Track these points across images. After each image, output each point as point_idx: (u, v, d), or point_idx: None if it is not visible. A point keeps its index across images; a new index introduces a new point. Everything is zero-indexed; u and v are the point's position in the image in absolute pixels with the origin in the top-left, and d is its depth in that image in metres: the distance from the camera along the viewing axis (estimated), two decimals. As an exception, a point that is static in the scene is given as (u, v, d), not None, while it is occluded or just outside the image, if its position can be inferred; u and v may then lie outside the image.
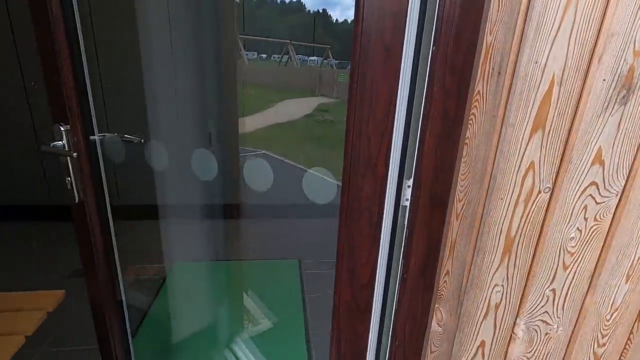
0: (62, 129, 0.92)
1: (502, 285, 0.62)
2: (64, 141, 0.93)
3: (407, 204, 0.73)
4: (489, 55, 0.55)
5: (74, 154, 0.93)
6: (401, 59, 0.64)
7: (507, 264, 0.60)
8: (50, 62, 0.90)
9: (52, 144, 0.92)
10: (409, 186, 0.72)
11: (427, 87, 0.62)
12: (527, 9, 0.49)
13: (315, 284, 2.25)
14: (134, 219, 1.30)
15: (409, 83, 0.65)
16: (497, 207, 0.56)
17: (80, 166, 0.96)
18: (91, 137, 1.00)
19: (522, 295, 0.63)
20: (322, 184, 0.79)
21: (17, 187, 2.63)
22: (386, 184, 0.73)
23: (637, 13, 0.49)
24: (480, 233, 0.59)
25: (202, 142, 1.73)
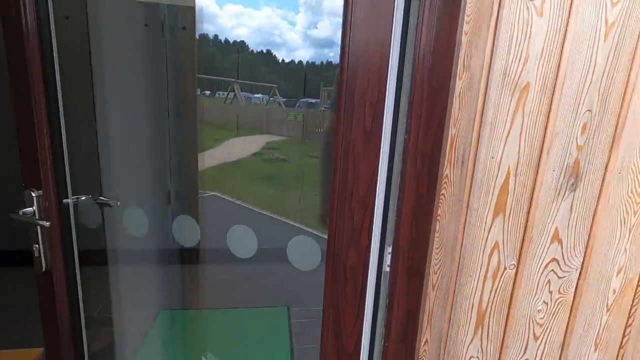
0: (33, 195, 0.88)
1: (477, 357, 0.64)
2: (35, 207, 0.89)
3: (389, 269, 0.77)
4: (454, 145, 0.62)
5: (46, 224, 0.88)
6: (380, 142, 0.71)
7: (481, 336, 0.64)
8: (26, 129, 0.88)
9: (21, 212, 0.87)
10: (389, 253, 0.77)
11: (401, 168, 0.68)
12: (482, 112, 0.56)
13: (304, 333, 2.19)
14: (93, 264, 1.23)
15: (387, 163, 0.72)
16: (468, 282, 0.61)
17: (50, 234, 0.91)
18: (64, 201, 0.96)
19: (498, 365, 0.66)
20: (307, 251, 0.83)
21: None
22: (369, 253, 0.77)
23: (575, 116, 0.57)
24: (454, 307, 0.62)
25: (161, 201, 1.65)
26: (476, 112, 0.57)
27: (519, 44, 0.53)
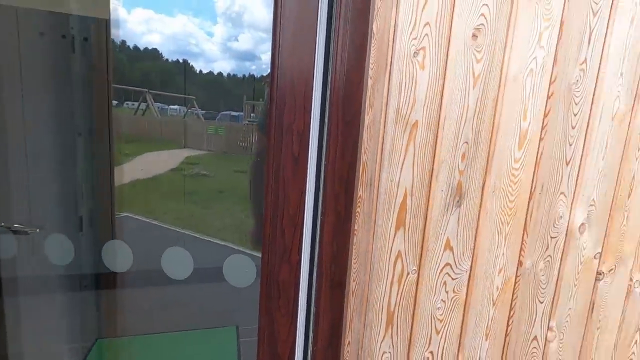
0: None
1: (390, 352, 0.75)
2: None
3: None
4: (364, 170, 0.74)
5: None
6: (307, 166, 0.81)
7: (391, 334, 0.74)
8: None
9: None
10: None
11: (322, 190, 0.78)
12: (382, 143, 0.69)
13: (251, 352, 2.17)
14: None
15: (314, 185, 0.82)
16: (377, 287, 0.72)
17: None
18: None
19: (408, 359, 0.76)
20: (243, 269, 0.89)
21: None
22: (300, 268, 0.85)
23: (456, 147, 0.71)
24: (367, 310, 0.72)
25: (72, 228, 1.55)
26: (378, 142, 0.69)
27: (408, 90, 0.67)
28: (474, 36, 0.69)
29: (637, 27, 0.81)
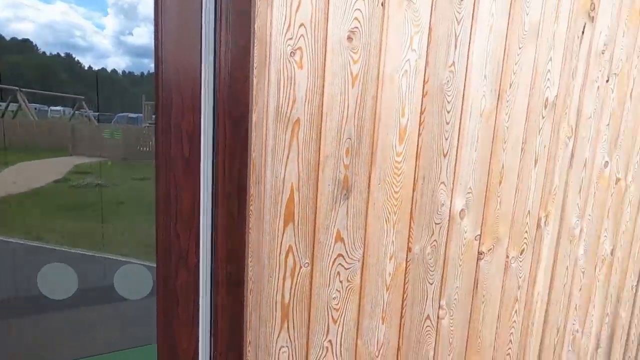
0: None
1: (287, 347, 0.76)
2: None
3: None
4: (254, 168, 0.74)
5: None
6: (199, 167, 0.79)
7: (288, 328, 0.76)
8: None
9: None
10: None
11: (213, 189, 0.78)
12: (266, 141, 0.70)
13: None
14: None
15: (211, 186, 0.80)
16: (270, 283, 0.73)
17: None
18: None
19: (307, 351, 0.79)
20: (135, 279, 0.85)
21: None
22: (199, 271, 0.83)
23: (339, 143, 0.75)
24: (261, 306, 0.73)
25: None
26: (262, 140, 0.70)
27: (287, 89, 0.69)
28: (349, 38, 0.74)
29: (495, 35, 0.93)
